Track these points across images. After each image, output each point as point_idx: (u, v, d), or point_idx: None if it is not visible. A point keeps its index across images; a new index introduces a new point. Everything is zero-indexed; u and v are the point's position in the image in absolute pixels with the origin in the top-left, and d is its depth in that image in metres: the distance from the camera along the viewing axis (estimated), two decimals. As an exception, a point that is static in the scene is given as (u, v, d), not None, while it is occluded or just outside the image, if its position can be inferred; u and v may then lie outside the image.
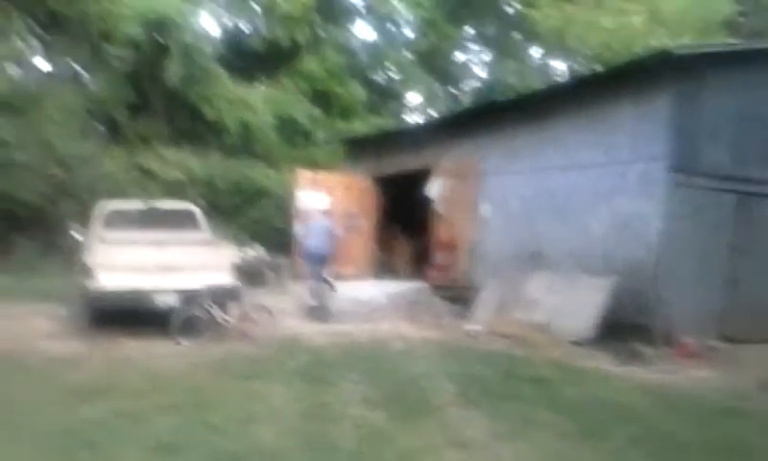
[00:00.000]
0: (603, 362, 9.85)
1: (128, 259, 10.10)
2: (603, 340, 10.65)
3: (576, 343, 10.53)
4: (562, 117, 12.54)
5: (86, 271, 9.96)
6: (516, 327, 11.04)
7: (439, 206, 15.24)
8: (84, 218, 12.90)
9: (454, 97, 31.38)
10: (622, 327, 10.67)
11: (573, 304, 11.12)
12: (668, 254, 10.56)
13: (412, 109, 31.14)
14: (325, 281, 12.58)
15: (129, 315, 10.08)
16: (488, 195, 14.14)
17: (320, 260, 12.72)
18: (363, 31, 30.57)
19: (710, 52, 11.21)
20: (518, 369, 8.92)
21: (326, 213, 13.91)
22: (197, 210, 12.74)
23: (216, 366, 8.53)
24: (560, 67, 30.53)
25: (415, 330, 11.30)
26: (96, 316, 10.04)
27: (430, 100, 29.91)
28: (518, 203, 13.31)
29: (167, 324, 9.76)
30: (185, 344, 9.59)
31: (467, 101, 30.32)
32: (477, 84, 32.69)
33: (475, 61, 33.16)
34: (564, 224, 12.23)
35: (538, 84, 23.83)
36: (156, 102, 20.21)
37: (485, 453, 6.07)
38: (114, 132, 19.69)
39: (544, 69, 30.73)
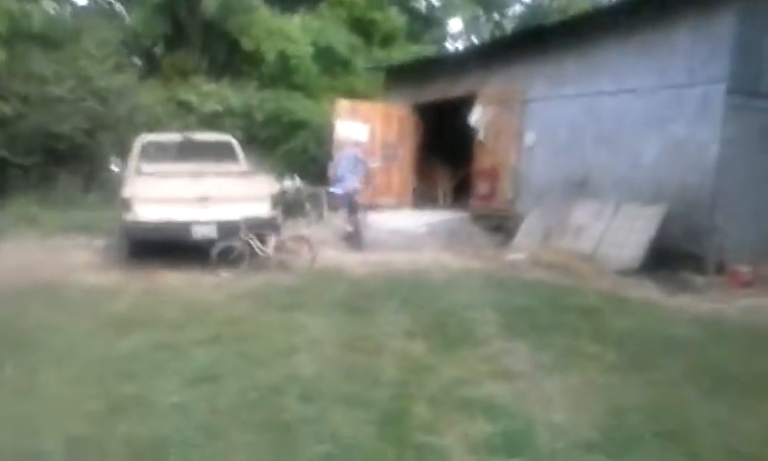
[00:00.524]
0: (652, 292, 9.54)
1: (165, 191, 10.01)
2: (652, 269, 10.30)
3: (624, 272, 10.20)
4: (612, 40, 11.88)
5: (125, 203, 9.90)
6: (562, 256, 10.72)
7: (481, 134, 14.80)
8: (122, 151, 12.88)
9: (497, 24, 30.41)
10: (672, 256, 10.31)
11: (622, 233, 10.75)
12: (724, 180, 10.05)
13: (453, 37, 30.34)
14: (358, 210, 12.48)
15: (168, 247, 10.07)
16: (533, 122, 13.63)
17: (350, 191, 12.60)
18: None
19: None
20: (564, 299, 8.65)
21: (357, 144, 13.73)
22: (234, 141, 12.58)
23: (255, 298, 8.43)
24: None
25: (456, 260, 11.04)
26: (135, 248, 10.06)
27: (472, 27, 29.02)
28: (565, 129, 12.80)
29: (206, 255, 9.69)
30: (224, 275, 9.52)
31: (509, 28, 29.32)
32: (520, 9, 31.60)
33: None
34: (614, 151, 11.72)
35: (583, 9, 22.79)
36: (192, 34, 19.88)
37: (529, 385, 5.86)
38: (151, 65, 19.53)
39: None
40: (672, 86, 10.74)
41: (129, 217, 9.84)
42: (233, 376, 5.77)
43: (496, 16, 31.18)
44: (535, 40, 13.66)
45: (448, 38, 30.14)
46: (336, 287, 8.99)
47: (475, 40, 27.46)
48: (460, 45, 28.32)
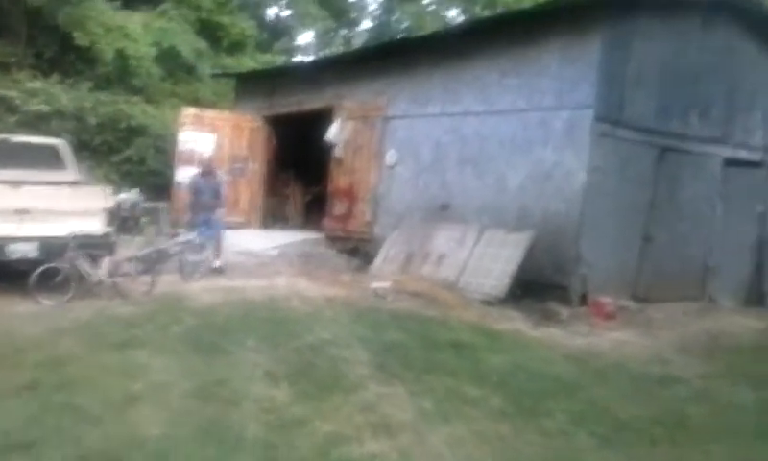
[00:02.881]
0: (519, 323, 9.20)
1: (-26, 202, 8.41)
2: (517, 299, 10.02)
3: (488, 302, 9.81)
4: (480, 59, 11.56)
5: None
6: (425, 285, 10.17)
7: (339, 151, 14.06)
8: None
9: (346, 38, 29.98)
10: (538, 286, 10.08)
11: (486, 260, 10.37)
12: (590, 209, 9.92)
13: (303, 49, 29.52)
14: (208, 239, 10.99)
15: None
16: (395, 140, 13.06)
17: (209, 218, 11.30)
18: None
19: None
20: (435, 333, 8.04)
21: (211, 165, 12.12)
22: (62, 145, 11.04)
23: (84, 332, 7.15)
24: (452, 15, 29.88)
25: (315, 288, 10.17)
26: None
27: (323, 40, 28.36)
28: (428, 150, 12.32)
29: (24, 279, 8.26)
30: (46, 303, 8.14)
31: (359, 42, 28.97)
32: (370, 24, 31.36)
33: (370, 2, 31.77)
34: (479, 174, 11.37)
35: (432, 28, 22.76)
36: (16, 23, 17.69)
37: (414, 439, 5.16)
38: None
39: (438, 15, 29.74)
40: (540, 109, 10.53)
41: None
42: (55, 438, 4.64)
43: (346, 31, 30.78)
44: (398, 55, 13.15)
45: (298, 51, 29.30)
46: (181, 319, 7.84)
47: (326, 54, 26.72)
48: (309, 58, 27.53)
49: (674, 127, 10.81)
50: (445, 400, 5.97)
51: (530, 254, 10.05)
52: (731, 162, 11.68)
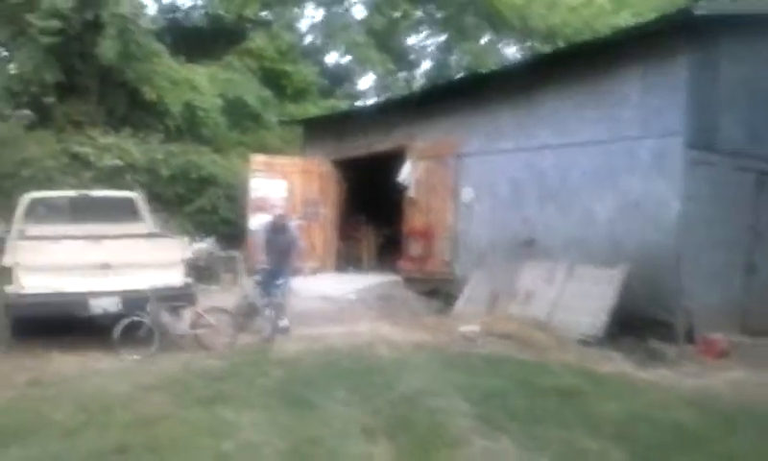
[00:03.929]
0: (622, 365, 8.57)
1: (56, 257, 8.35)
2: (615, 337, 9.39)
3: (585, 342, 9.21)
4: (554, 91, 11.13)
5: (6, 273, 8.15)
6: (515, 326, 9.62)
7: (412, 192, 13.72)
8: (5, 211, 11.03)
9: (408, 80, 29.81)
10: (636, 322, 9.46)
11: (578, 298, 9.79)
12: (687, 239, 9.29)
13: (363, 94, 29.48)
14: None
15: (60, 325, 8.43)
16: (470, 178, 12.65)
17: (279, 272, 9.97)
18: (312, 10, 28.75)
19: (731, 14, 9.84)
20: (535, 378, 7.48)
21: (283, 219, 10.31)
22: (137, 198, 11.00)
23: (170, 387, 6.85)
24: (511, 51, 29.51)
25: (399, 332, 9.74)
26: (19, 327, 8.32)
27: (383, 83, 28.26)
28: (506, 186, 11.88)
29: (107, 334, 8.10)
30: (130, 358, 7.93)
31: (419, 84, 28.78)
32: (429, 65, 31.14)
33: (428, 44, 31.59)
34: (562, 208, 10.85)
35: (492, 65, 22.39)
36: (88, 81, 18.05)
37: None
38: (42, 115, 17.50)
39: (496, 52, 29.39)
40: (623, 139, 10.00)
41: (11, 289, 8.13)
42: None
43: (405, 73, 30.64)
44: (468, 92, 12.78)
45: (360, 96, 29.27)
46: (267, 372, 7.49)
47: (392, 95, 26.61)
48: (372, 102, 27.47)
49: (769, 150, 10.12)
50: (562, 456, 5.44)
51: (626, 288, 9.43)
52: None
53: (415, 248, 13.70)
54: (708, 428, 6.31)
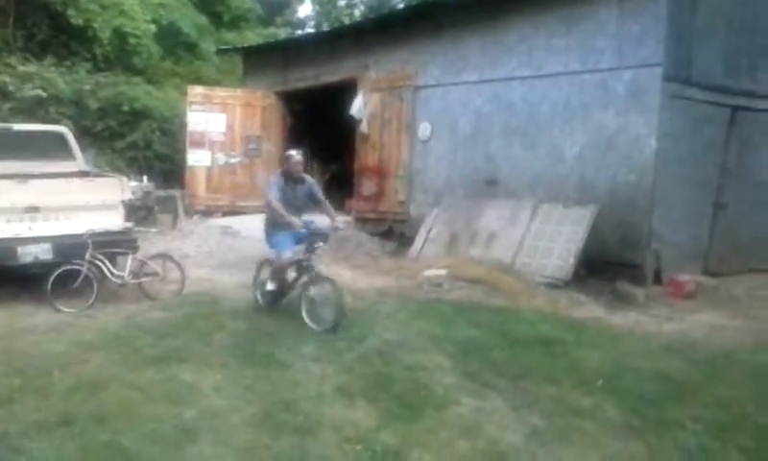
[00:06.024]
0: (594, 309, 8.26)
1: (-25, 200, 7.38)
2: (581, 280, 9.06)
3: (552, 285, 8.85)
4: (523, 17, 10.45)
5: None
6: (482, 270, 9.17)
7: (365, 126, 13.00)
8: None
9: (349, 8, 28.60)
10: (602, 264, 9.15)
11: (545, 239, 9.40)
12: (661, 179, 8.93)
13: (304, 22, 28.22)
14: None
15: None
16: (428, 112, 11.98)
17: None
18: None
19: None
20: (512, 328, 7.05)
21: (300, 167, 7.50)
22: (67, 133, 9.96)
23: (115, 345, 6.17)
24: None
25: (359, 278, 9.20)
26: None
27: (324, 10, 27.04)
28: (468, 120, 11.26)
29: (39, 285, 7.29)
30: (66, 311, 7.15)
31: (361, 11, 27.61)
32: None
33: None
34: (528, 144, 10.34)
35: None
36: (5, 4, 16.44)
37: None
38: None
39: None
40: (597, 70, 9.48)
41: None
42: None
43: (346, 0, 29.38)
44: (427, 19, 11.97)
45: (300, 24, 27.98)
46: (224, 325, 6.86)
47: (326, 27, 25.43)
48: (312, 31, 26.25)
49: (744, 84, 9.77)
50: (555, 413, 5.05)
51: (594, 229, 9.06)
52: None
53: (367, 186, 13.05)
54: (695, 376, 6.05)
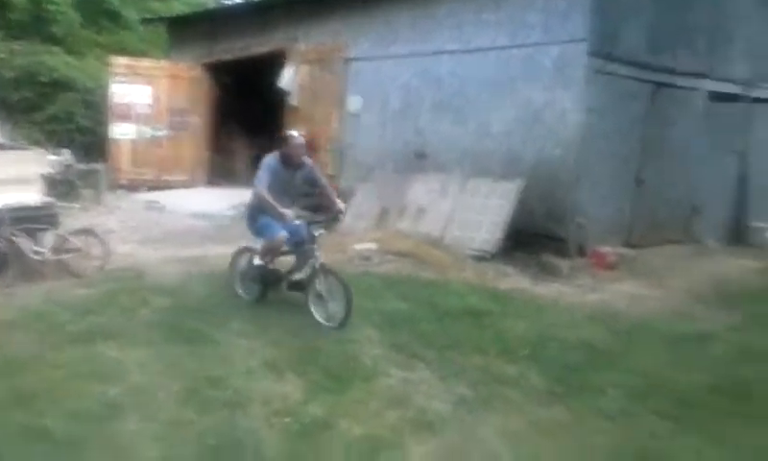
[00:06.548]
0: (519, 280, 8.46)
1: None
2: (508, 253, 9.22)
3: (480, 258, 8.98)
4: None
5: None
6: (411, 243, 9.23)
7: (294, 99, 12.84)
8: None
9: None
10: (528, 237, 9.33)
11: (473, 212, 9.51)
12: (586, 153, 9.14)
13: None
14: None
15: None
16: (358, 85, 11.91)
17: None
18: None
19: None
20: (441, 300, 7.14)
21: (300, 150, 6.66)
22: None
23: (36, 323, 5.98)
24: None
25: (288, 252, 9.11)
26: None
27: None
28: (398, 94, 11.26)
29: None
30: (-18, 289, 6.87)
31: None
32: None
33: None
34: (456, 119, 10.41)
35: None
36: None
37: (466, 436, 4.35)
38: None
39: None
40: (525, 45, 9.59)
41: None
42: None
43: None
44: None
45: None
46: (148, 300, 6.71)
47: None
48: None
49: (665, 61, 10.06)
50: (481, 382, 5.18)
51: (521, 203, 9.24)
52: (714, 97, 11.07)
53: (297, 160, 12.90)
54: (616, 344, 6.31)
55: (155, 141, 14.41)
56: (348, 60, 12.01)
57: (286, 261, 6.81)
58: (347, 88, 12.04)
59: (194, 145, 14.94)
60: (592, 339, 6.32)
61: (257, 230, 6.62)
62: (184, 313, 6.37)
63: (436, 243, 9.44)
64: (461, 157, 10.22)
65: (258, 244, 6.69)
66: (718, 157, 11.36)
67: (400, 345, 5.77)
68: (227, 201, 12.61)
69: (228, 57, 14.44)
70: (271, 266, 6.65)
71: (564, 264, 8.90)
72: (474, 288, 7.72)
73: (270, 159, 6.46)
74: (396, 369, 5.30)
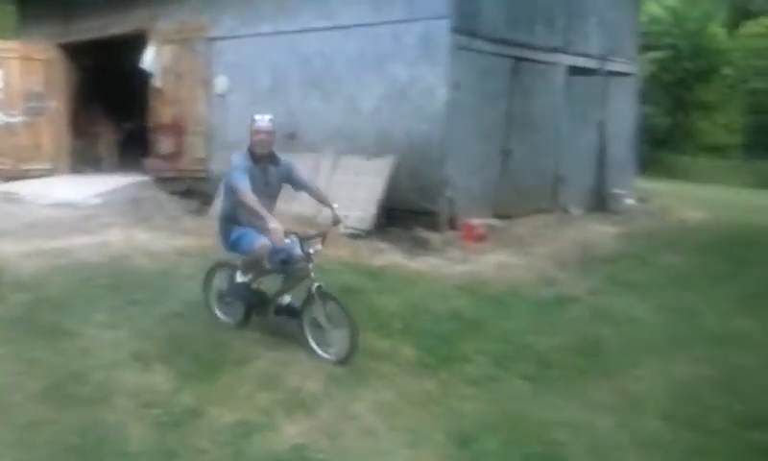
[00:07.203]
0: (394, 256, 8.54)
1: None
2: (382, 229, 9.35)
3: (354, 235, 9.03)
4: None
5: None
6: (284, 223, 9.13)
7: (158, 81, 12.37)
8: None
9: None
10: (401, 213, 9.49)
11: (346, 190, 9.51)
12: (452, 128, 9.35)
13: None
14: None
15: None
16: (224, 65, 11.61)
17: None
18: None
19: None
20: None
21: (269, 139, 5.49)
22: None
23: None
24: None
25: (158, 239, 8.79)
26: None
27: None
28: (266, 74, 11.05)
29: None
30: None
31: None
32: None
33: None
34: (325, 97, 10.36)
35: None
36: None
37: (338, 413, 4.42)
38: None
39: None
40: (389, 22, 9.65)
41: None
42: None
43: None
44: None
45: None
46: (4, 296, 6.31)
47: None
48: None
49: (524, 37, 10.45)
50: (355, 359, 5.17)
51: (393, 179, 9.35)
52: (572, 71, 11.61)
53: (164, 144, 12.47)
54: (484, 313, 6.53)
55: (9, 129, 13.49)
56: (211, 40, 11.67)
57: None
58: (212, 69, 11.72)
59: (54, 131, 14.11)
60: (462, 309, 6.52)
61: (232, 245, 5.50)
62: (45, 308, 6.04)
63: (310, 222, 9.38)
64: (332, 136, 10.21)
65: (235, 258, 5.64)
66: (579, 129, 11.96)
67: (270, 327, 5.71)
68: (92, 188, 12.06)
69: (85, 37, 13.65)
70: (255, 285, 5.59)
71: (436, 238, 9.10)
72: (349, 266, 7.75)
73: (238, 158, 5.29)
74: (268, 351, 5.24)
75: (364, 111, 9.95)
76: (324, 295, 5.20)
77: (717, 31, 28.95)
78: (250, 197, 5.01)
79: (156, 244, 8.48)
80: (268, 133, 5.35)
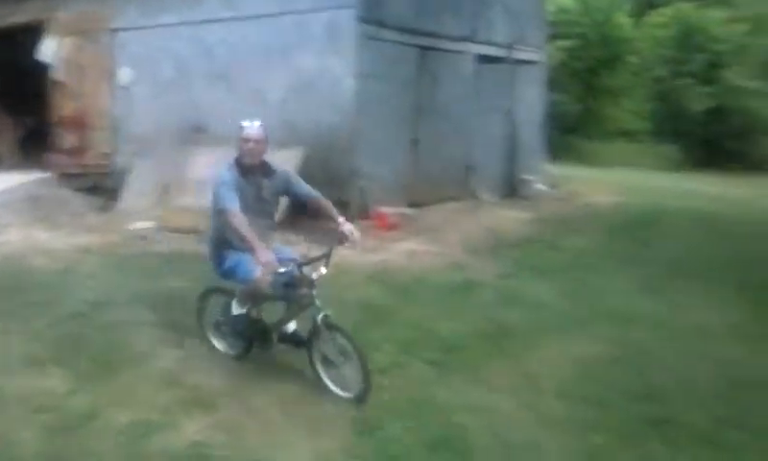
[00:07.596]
0: (304, 247, 8.44)
1: None
2: (292, 221, 9.23)
3: (267, 228, 8.90)
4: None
5: None
6: (191, 218, 8.94)
7: (60, 73, 11.88)
8: None
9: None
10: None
11: (255, 184, 9.39)
12: (361, 119, 9.34)
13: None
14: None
15: None
16: (127, 57, 11.26)
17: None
18: None
19: None
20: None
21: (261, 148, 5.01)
22: None
23: None
24: None
25: (58, 238, 8.46)
26: None
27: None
28: (170, 65, 10.79)
29: None
30: None
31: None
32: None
33: None
34: (231, 88, 10.19)
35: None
36: None
37: (240, 408, 4.35)
38: None
39: None
40: (294, 12, 9.57)
41: None
42: None
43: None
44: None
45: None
46: None
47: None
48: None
49: (431, 26, 10.52)
50: (257, 355, 5.10)
51: (303, 171, 9.25)
52: (481, 59, 11.77)
53: (67, 139, 11.99)
54: (393, 301, 6.55)
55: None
56: (114, 31, 11.31)
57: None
58: (115, 60, 11.35)
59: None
60: (371, 298, 6.54)
61: (226, 273, 4.88)
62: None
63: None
64: (238, 129, 9.99)
65: (230, 284, 5.01)
66: (489, 116, 12.14)
67: (174, 324, 5.58)
68: (-11, 186, 11.47)
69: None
70: (254, 315, 4.97)
71: (347, 228, 9.06)
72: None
73: (224, 173, 4.70)
74: (169, 349, 5.12)
75: (270, 103, 9.81)
76: (331, 326, 4.57)
77: (623, 20, 29.83)
78: (239, 219, 4.35)
79: (57, 243, 8.17)
80: (258, 141, 4.79)
